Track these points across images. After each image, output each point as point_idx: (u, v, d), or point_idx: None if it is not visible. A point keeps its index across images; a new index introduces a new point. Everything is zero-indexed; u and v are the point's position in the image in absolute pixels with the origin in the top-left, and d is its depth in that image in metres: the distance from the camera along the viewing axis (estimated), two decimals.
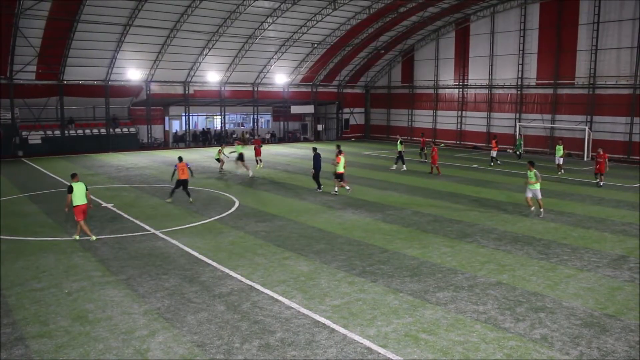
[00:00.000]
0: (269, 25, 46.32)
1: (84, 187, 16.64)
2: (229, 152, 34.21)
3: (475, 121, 51.08)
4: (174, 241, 16.48)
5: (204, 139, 53.18)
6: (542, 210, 20.30)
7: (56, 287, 12.44)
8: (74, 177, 16.88)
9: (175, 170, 23.00)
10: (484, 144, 48.81)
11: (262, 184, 28.16)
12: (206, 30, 45.02)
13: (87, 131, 46.36)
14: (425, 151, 39.70)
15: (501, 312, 10.98)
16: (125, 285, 12.59)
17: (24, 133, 43.64)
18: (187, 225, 18.58)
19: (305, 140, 58.18)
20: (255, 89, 55.85)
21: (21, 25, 38.32)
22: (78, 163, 36.46)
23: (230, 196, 24.15)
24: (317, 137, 59.05)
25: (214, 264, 14.16)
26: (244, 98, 55.34)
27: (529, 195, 20.43)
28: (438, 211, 21.15)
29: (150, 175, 31.46)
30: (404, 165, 34.01)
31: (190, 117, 53.59)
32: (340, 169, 24.77)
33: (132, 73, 46.19)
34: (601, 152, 27.92)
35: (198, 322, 10.47)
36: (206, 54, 48.18)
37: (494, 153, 37.18)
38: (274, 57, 52.35)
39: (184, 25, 43.11)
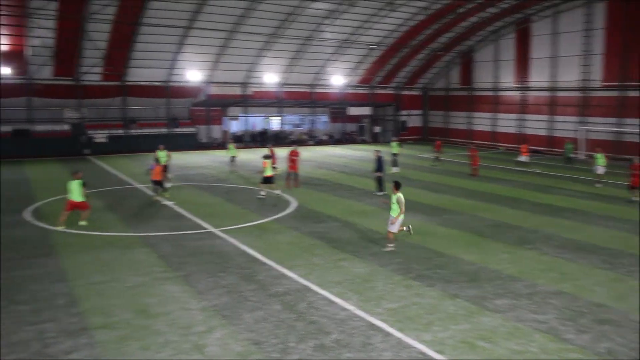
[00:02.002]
0: (326, 27, 46.49)
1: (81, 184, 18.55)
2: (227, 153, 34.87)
3: (536, 124, 49.71)
4: (231, 239, 16.75)
5: (262, 139, 53.80)
6: None
7: (119, 281, 12.84)
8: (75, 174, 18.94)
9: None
10: (546, 148, 47.48)
11: (319, 184, 28.27)
12: (264, 32, 45.57)
13: (149, 131, 47.62)
14: (440, 155, 38.38)
15: (562, 323, 10.63)
16: (184, 281, 12.88)
17: (90, 132, 45.28)
18: (245, 225, 18.85)
19: (363, 142, 58.04)
20: (313, 91, 56.13)
21: (88, 29, 39.81)
22: (140, 161, 37.49)
23: (288, 197, 24.35)
24: (374, 139, 58.81)
25: (271, 263, 14.31)
26: (301, 99, 55.72)
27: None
28: (497, 216, 20.72)
29: (209, 174, 32.09)
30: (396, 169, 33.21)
31: (248, 118, 54.37)
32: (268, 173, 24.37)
33: (192, 74, 47.23)
34: (637, 163, 24.32)
35: (254, 320, 10.60)
36: (264, 56, 48.77)
37: (523, 158, 35.34)
38: (331, 58, 52.50)
39: (242, 27, 43.78)
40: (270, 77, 51.42)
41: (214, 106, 51.93)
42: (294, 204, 22.57)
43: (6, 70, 40.97)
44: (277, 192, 24.48)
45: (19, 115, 43.72)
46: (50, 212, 20.64)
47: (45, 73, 42.96)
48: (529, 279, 13.27)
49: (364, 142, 58.11)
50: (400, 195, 15.44)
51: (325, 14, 44.68)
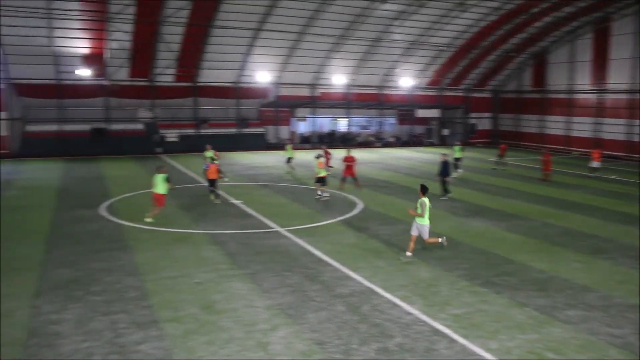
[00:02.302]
0: (395, 28, 46.19)
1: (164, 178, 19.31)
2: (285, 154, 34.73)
3: (613, 129, 47.58)
4: (297, 239, 16.90)
5: (329, 140, 54.04)
6: None
7: (187, 277, 13.20)
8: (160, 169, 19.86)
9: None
10: (624, 154, 45.37)
11: (385, 187, 28.13)
12: (333, 33, 45.75)
13: (219, 131, 48.68)
14: (504, 159, 37.13)
15: None
16: (250, 279, 13.10)
17: (162, 131, 46.80)
18: (311, 225, 18.97)
19: (430, 144, 57.32)
20: (381, 92, 55.90)
21: (163, 31, 41.19)
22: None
23: (354, 198, 24.35)
24: (443, 142, 57.95)
25: (336, 264, 14.35)
26: (369, 101, 55.59)
27: None
28: (569, 223, 19.97)
29: (277, 174, 32.49)
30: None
31: (316, 119, 54.73)
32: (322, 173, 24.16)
33: (262, 75, 47.96)
34: None
35: (318, 321, 10.65)
36: (333, 57, 48.96)
37: (594, 164, 33.33)
38: (400, 60, 52.12)
39: (312, 29, 44.12)
40: (338, 79, 51.56)
41: (283, 107, 52.57)
42: (359, 206, 22.54)
43: (86, 72, 42.95)
44: (326, 194, 24.29)
45: (96, 115, 45.74)
46: (124, 208, 21.51)
47: (121, 74, 44.76)
48: (603, 290, 12.71)
49: (431, 144, 57.37)
50: (425, 199, 15.13)
51: (394, 15, 44.43)
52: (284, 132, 53.36)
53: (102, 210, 21.29)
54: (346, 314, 10.99)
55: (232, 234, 17.59)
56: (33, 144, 43.47)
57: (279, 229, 18.38)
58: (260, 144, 49.40)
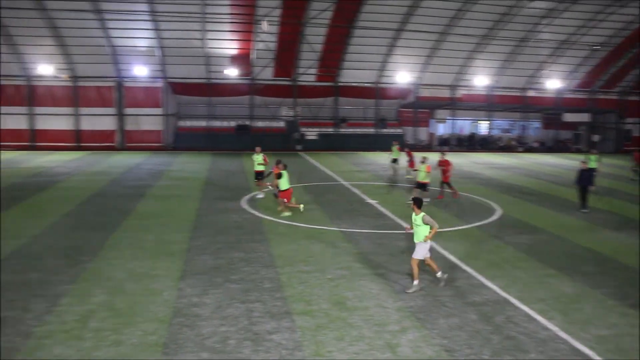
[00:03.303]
0: (543, 27, 43.88)
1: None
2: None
3: None
4: (431, 243, 16.57)
5: (469, 143, 52.60)
6: None
7: (321, 272, 13.46)
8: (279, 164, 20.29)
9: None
10: None
11: (526, 194, 26.86)
12: (476, 33, 44.49)
13: (357, 130, 49.21)
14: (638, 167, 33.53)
15: None
16: (382, 279, 13.07)
17: (302, 129, 48.25)
18: (446, 229, 18.56)
19: (578, 151, 53.80)
20: (525, 95, 53.40)
21: (306, 32, 42.38)
22: (347, 159, 38.94)
23: (493, 204, 23.50)
24: (592, 149, 54.09)
25: (470, 270, 13.91)
26: (512, 103, 53.34)
27: None
28: None
29: (414, 175, 32.13)
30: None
31: (456, 121, 53.52)
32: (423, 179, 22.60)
33: (401, 76, 47.78)
34: None
35: (449, 327, 10.39)
36: (475, 58, 47.59)
37: None
38: (547, 61, 49.49)
39: (454, 29, 43.20)
40: (480, 80, 50.08)
41: (422, 108, 52.04)
42: (498, 212, 21.70)
43: (234, 72, 45.41)
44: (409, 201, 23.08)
45: (241, 112, 48.23)
46: (263, 202, 22.44)
47: (266, 74, 46.80)
48: None
49: (578, 151, 53.81)
50: (424, 214, 12.54)
51: (543, 13, 42.28)
52: (422, 133, 52.79)
53: (244, 202, 22.37)
54: (478, 323, 10.62)
55: (366, 233, 17.68)
56: (184, 138, 46.88)
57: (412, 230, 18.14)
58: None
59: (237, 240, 16.39)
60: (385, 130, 49.98)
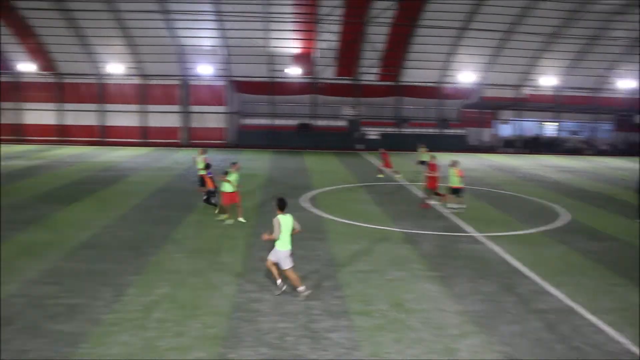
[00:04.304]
0: (616, 24, 42.13)
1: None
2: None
3: None
4: (494, 246, 16.22)
5: (534, 145, 51.11)
6: None
7: (380, 272, 13.37)
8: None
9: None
10: None
11: (595, 198, 25.88)
12: (544, 32, 43.19)
13: (419, 130, 48.70)
14: None
15: None
16: (441, 282, 12.86)
17: (363, 129, 48.18)
18: (510, 233, 18.10)
19: None
20: (595, 95, 51.43)
21: (368, 32, 42.25)
22: (408, 159, 38.50)
23: (560, 208, 22.75)
24: None
25: (535, 277, 13.48)
26: (582, 104, 51.46)
27: None
28: None
29: (476, 177, 31.55)
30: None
31: (521, 122, 52.16)
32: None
33: (465, 76, 46.95)
34: None
35: (511, 334, 10.10)
36: (542, 57, 46.22)
37: None
38: (621, 59, 47.46)
39: (520, 27, 42.11)
40: (547, 80, 48.57)
41: (486, 108, 50.97)
42: (565, 217, 20.98)
43: (296, 71, 45.79)
44: (462, 206, 21.77)
45: (303, 111, 48.60)
46: (324, 200, 22.49)
47: (328, 73, 46.93)
48: None
49: None
50: (281, 217, 11.60)
51: (616, 9, 40.53)
52: (486, 134, 51.73)
53: (304, 200, 22.48)
54: (542, 332, 10.28)
55: (428, 235, 17.45)
56: (247, 135, 47.67)
57: (475, 234, 17.81)
58: (460, 145, 48.41)
59: (298, 238, 16.43)
60: (447, 131, 49.25)
